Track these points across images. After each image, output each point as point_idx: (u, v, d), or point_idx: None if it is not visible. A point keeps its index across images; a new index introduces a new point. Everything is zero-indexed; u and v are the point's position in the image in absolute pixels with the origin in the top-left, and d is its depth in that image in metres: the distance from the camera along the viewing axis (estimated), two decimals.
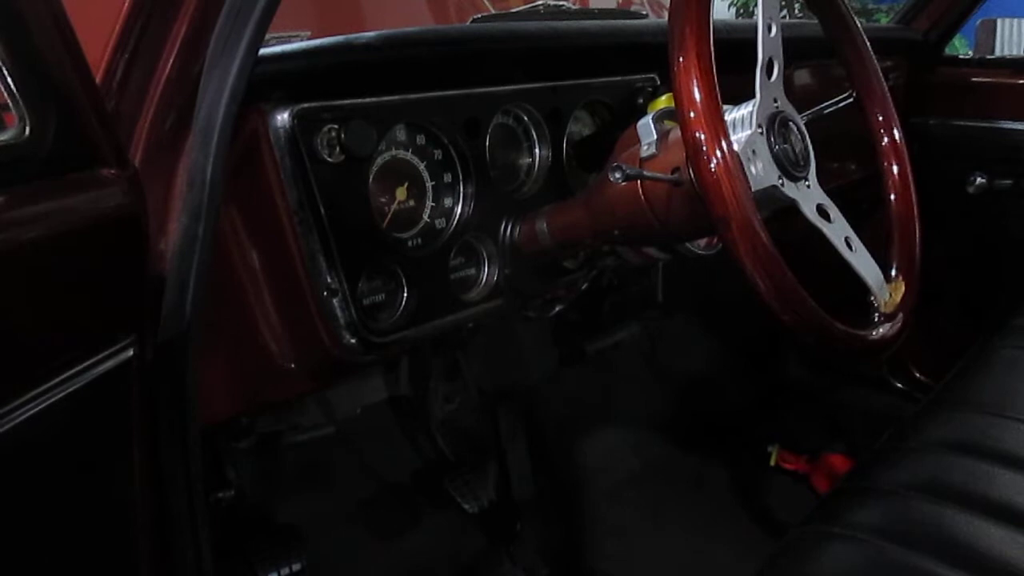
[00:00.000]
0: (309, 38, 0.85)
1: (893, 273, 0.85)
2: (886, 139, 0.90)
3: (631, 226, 0.83)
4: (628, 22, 1.22)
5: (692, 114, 0.66)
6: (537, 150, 0.99)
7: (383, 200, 0.86)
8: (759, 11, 0.74)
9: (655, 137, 0.79)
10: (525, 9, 1.53)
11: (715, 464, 1.71)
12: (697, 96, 0.66)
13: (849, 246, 0.77)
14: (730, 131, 0.71)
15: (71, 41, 0.58)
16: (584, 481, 1.61)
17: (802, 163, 0.75)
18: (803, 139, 0.77)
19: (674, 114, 0.71)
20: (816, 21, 0.90)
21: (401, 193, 0.87)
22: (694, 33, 0.67)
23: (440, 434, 1.42)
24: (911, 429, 1.07)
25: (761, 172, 0.72)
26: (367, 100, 0.81)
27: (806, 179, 0.76)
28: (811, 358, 1.96)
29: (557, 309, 1.11)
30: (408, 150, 0.87)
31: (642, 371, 1.82)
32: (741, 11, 4.87)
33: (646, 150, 0.79)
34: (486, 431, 1.47)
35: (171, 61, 0.67)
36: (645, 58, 1.09)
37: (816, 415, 1.88)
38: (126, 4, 0.67)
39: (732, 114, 0.74)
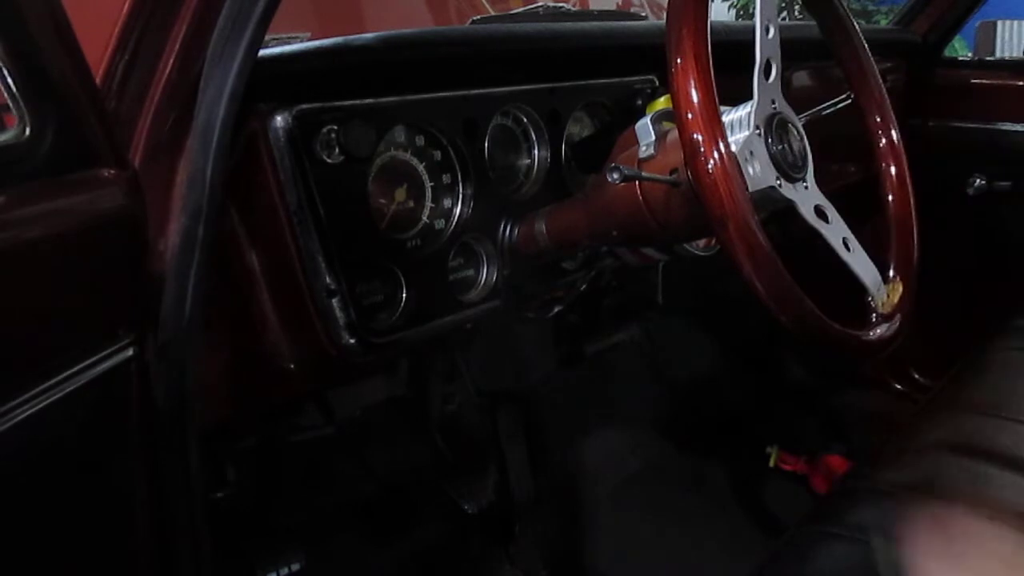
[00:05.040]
0: (309, 39, 0.86)
1: (891, 274, 0.85)
2: (884, 140, 0.90)
3: (629, 227, 0.83)
4: (627, 24, 1.23)
5: (690, 115, 0.66)
6: (536, 151, 0.99)
7: (382, 201, 0.86)
8: (757, 12, 0.74)
9: (653, 138, 0.79)
10: (525, 11, 1.53)
11: (714, 465, 1.71)
12: (695, 97, 0.66)
13: (847, 247, 0.77)
14: (728, 132, 0.71)
15: (71, 41, 0.58)
16: (583, 482, 1.61)
17: (800, 164, 0.75)
18: (801, 140, 0.77)
19: (672, 115, 0.71)
20: (814, 23, 0.90)
21: (400, 194, 0.87)
22: (692, 35, 0.67)
23: (439, 435, 1.42)
24: (909, 430, 1.08)
25: (759, 173, 0.72)
26: (366, 101, 0.81)
27: (804, 180, 0.76)
28: (810, 359, 1.96)
29: (556, 310, 1.11)
30: (407, 151, 0.87)
31: (641, 372, 1.82)
32: (741, 12, 4.88)
33: (644, 151, 0.79)
34: (485, 432, 1.46)
35: (171, 62, 0.67)
36: (644, 59, 1.10)
37: (815, 416, 1.88)
38: (126, 4, 0.67)
39: (730, 115, 0.74)
